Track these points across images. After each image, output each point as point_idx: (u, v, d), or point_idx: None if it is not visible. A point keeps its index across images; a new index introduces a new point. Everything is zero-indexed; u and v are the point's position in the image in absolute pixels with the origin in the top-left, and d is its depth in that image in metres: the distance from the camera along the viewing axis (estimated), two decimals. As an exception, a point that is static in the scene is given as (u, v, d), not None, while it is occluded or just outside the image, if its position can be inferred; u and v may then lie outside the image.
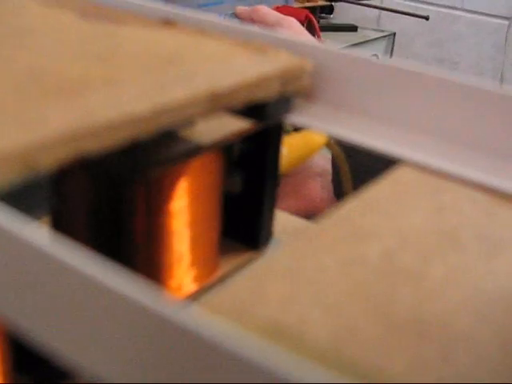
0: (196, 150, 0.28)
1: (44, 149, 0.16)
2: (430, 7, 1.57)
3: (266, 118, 0.25)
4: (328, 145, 0.42)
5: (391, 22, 1.56)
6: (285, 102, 0.25)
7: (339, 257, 0.18)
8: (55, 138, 0.16)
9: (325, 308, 0.16)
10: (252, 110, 0.25)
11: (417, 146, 0.24)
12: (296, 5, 1.14)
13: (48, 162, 0.16)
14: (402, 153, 0.24)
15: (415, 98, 0.25)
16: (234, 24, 0.28)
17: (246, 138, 0.32)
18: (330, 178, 0.55)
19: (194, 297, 0.28)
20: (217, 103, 0.21)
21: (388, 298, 0.16)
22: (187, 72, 0.23)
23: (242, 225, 0.34)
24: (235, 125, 0.31)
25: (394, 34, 1.47)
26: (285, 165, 0.38)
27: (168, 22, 0.29)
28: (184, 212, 0.29)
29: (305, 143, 0.39)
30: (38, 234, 0.14)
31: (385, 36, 1.46)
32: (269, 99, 0.24)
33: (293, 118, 0.26)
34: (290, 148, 0.38)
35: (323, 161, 0.57)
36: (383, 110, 0.26)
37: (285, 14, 0.66)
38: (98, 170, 0.26)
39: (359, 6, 1.39)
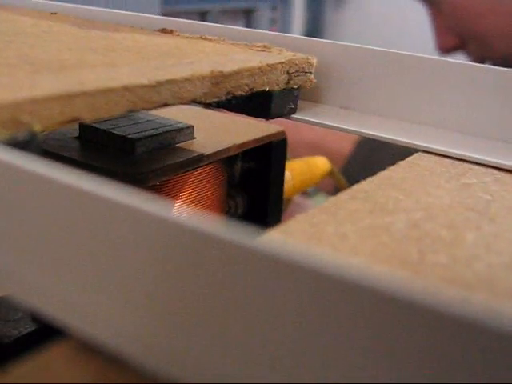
0: (198, 161, 0.27)
1: (33, 105, 0.15)
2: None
3: (272, 115, 0.24)
4: (331, 172, 0.41)
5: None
6: (291, 99, 0.24)
7: (360, 226, 0.16)
8: (45, 97, 0.15)
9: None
10: (258, 108, 0.24)
11: (430, 136, 0.23)
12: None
13: (39, 121, 0.15)
14: (416, 143, 0.22)
15: (426, 87, 0.24)
16: (233, 27, 0.27)
17: (249, 154, 0.31)
18: None
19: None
20: (219, 86, 0.20)
21: (418, 261, 0.15)
22: (188, 61, 0.21)
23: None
24: (238, 137, 0.29)
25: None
26: (288, 190, 0.36)
27: (165, 30, 0.28)
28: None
29: (308, 169, 0.38)
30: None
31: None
32: (276, 91, 0.23)
33: (301, 116, 0.25)
34: (293, 173, 0.37)
35: None
36: (390, 103, 0.24)
37: None
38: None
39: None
